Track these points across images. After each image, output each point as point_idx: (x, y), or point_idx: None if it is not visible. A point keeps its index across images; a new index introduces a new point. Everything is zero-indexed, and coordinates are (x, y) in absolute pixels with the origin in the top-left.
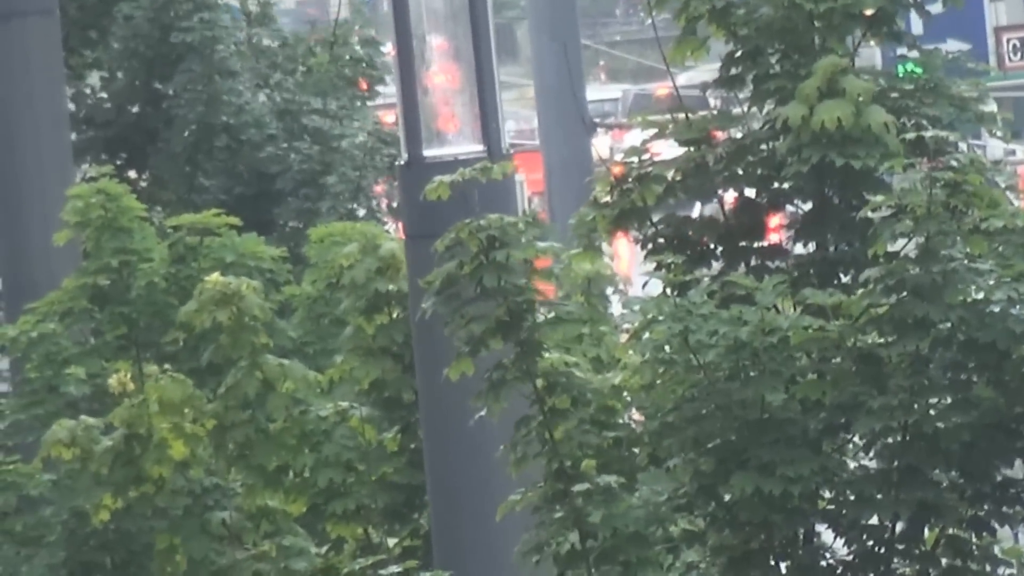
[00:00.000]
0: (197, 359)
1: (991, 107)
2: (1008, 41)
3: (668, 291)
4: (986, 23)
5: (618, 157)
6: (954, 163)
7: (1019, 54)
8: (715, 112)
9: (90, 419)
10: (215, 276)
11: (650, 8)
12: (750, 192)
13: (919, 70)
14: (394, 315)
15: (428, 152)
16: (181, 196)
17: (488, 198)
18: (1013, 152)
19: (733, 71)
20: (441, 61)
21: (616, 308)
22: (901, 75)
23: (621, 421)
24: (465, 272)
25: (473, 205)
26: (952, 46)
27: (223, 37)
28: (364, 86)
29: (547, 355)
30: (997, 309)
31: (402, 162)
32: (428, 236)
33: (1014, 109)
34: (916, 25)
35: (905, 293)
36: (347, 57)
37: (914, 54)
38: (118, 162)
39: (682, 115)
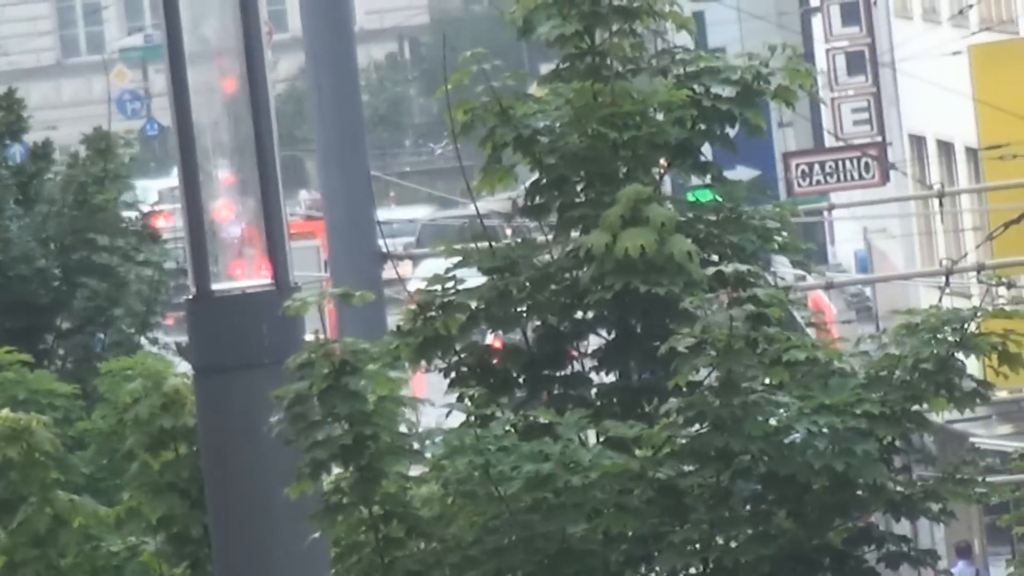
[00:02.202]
0: None
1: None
2: (797, 167)
3: (470, 421)
4: (774, 149)
5: (411, 286)
6: (757, 295)
7: (808, 179)
8: (517, 240)
9: None
10: (4, 412)
11: (454, 136)
12: (553, 321)
13: (706, 197)
14: (180, 451)
15: (216, 286)
16: None
17: (278, 331)
18: (803, 277)
19: (538, 199)
20: (228, 194)
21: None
22: (695, 202)
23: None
24: (314, 392)
25: (262, 338)
26: (742, 172)
27: None
28: (153, 224)
29: (385, 483)
30: (798, 441)
31: (190, 296)
32: (216, 371)
33: (803, 234)
34: (704, 151)
35: (706, 424)
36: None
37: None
38: None
39: (485, 243)
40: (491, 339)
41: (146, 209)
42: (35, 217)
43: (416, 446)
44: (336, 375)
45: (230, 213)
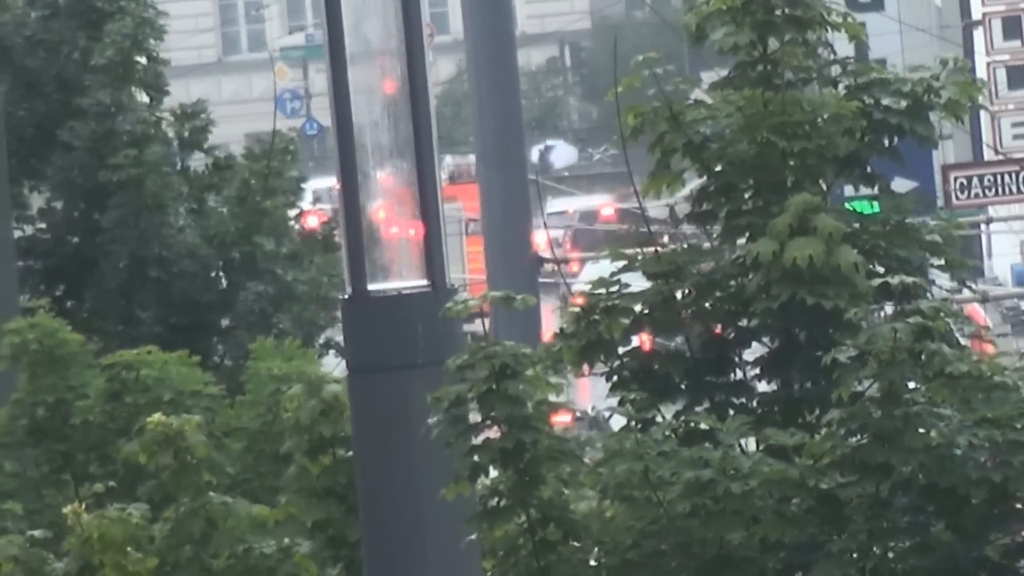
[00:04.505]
0: (133, 494)
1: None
2: (955, 179)
3: (631, 425)
4: (933, 161)
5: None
6: (921, 308)
7: (966, 192)
8: (683, 246)
9: (37, 533)
10: (157, 416)
11: (623, 141)
12: (717, 327)
13: (864, 208)
14: (338, 456)
15: (372, 286)
16: (118, 328)
17: (433, 332)
18: (960, 290)
19: (705, 206)
20: (386, 195)
21: None
22: (860, 213)
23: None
24: (473, 395)
25: (417, 339)
26: (900, 184)
27: (151, 172)
28: (308, 227)
29: (544, 487)
30: (959, 453)
31: (345, 296)
32: (370, 371)
33: (960, 247)
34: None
35: (867, 435)
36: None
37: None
38: (57, 293)
39: (651, 248)
40: (638, 341)
41: (305, 209)
42: (204, 217)
43: (576, 451)
44: (496, 378)
45: (388, 214)
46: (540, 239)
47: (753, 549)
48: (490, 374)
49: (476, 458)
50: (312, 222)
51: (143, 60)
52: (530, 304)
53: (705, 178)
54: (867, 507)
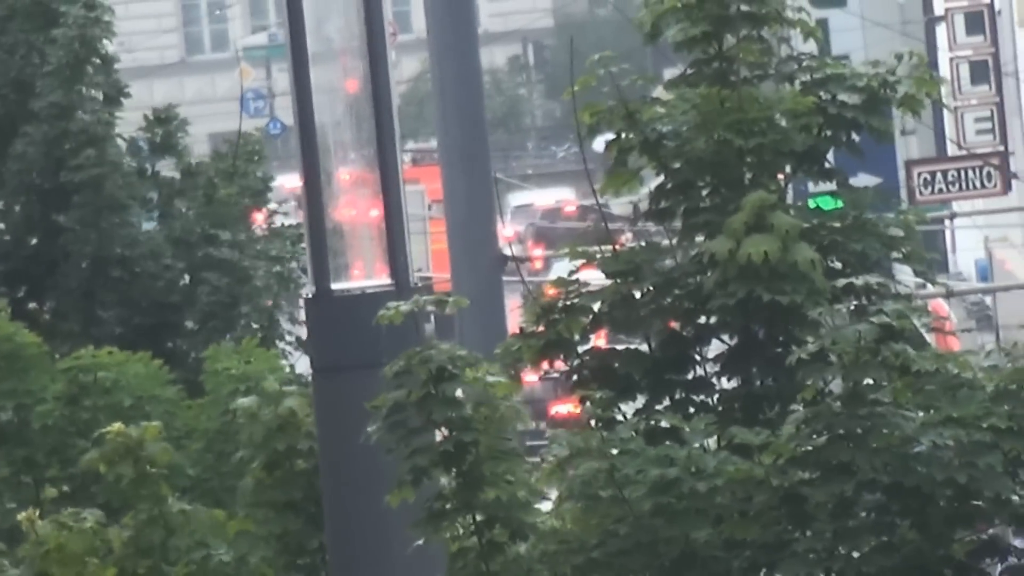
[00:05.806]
0: (93, 496)
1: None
2: (919, 175)
3: (593, 424)
4: (897, 157)
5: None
6: (886, 309)
7: (930, 188)
8: (641, 244)
9: None
10: (117, 426)
11: (580, 139)
12: (676, 325)
13: (827, 203)
14: (296, 467)
15: (335, 285)
16: (81, 329)
17: (396, 331)
18: (924, 286)
19: (663, 203)
20: (348, 194)
21: None
22: (819, 209)
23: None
24: (412, 400)
25: (381, 338)
26: (864, 180)
27: (112, 172)
28: (258, 219)
29: (488, 489)
30: (923, 451)
31: (309, 295)
32: (334, 369)
33: (924, 242)
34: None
35: (832, 435)
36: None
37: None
38: (19, 294)
39: (609, 246)
40: (594, 340)
41: (271, 207)
42: (168, 219)
43: (519, 450)
44: (433, 382)
45: (350, 213)
46: (503, 236)
47: (718, 548)
48: (428, 378)
49: (417, 462)
50: (260, 219)
51: (96, 60)
52: (463, 305)
53: (663, 176)
54: (832, 506)
